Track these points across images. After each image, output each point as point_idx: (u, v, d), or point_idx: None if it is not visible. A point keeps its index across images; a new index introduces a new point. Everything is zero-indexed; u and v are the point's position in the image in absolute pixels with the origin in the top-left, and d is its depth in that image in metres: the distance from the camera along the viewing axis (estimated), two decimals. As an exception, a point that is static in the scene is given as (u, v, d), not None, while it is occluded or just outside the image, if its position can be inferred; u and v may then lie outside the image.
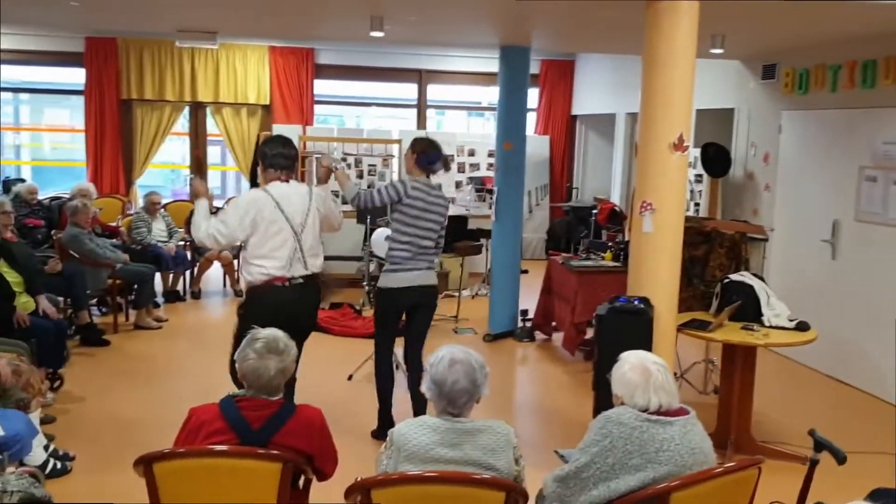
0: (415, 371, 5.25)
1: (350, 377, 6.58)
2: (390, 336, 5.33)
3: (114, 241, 8.30)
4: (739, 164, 8.48)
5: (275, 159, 4.63)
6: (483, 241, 9.51)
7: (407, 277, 5.08)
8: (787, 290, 7.07)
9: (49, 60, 11.54)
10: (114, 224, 9.03)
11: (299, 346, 4.68)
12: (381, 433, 5.15)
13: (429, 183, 5.14)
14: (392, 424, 5.13)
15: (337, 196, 5.27)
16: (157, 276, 8.45)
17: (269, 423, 2.86)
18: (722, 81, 8.75)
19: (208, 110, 11.91)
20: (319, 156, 5.33)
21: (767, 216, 7.92)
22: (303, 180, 5.34)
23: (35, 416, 4.58)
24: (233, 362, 4.79)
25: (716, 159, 8.30)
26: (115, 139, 11.43)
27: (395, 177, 10.75)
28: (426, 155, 5.11)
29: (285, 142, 4.74)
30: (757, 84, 8.20)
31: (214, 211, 4.93)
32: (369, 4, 5.95)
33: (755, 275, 5.55)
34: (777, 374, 7.11)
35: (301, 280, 4.61)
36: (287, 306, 4.51)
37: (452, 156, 11.05)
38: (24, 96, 13.03)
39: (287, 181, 4.65)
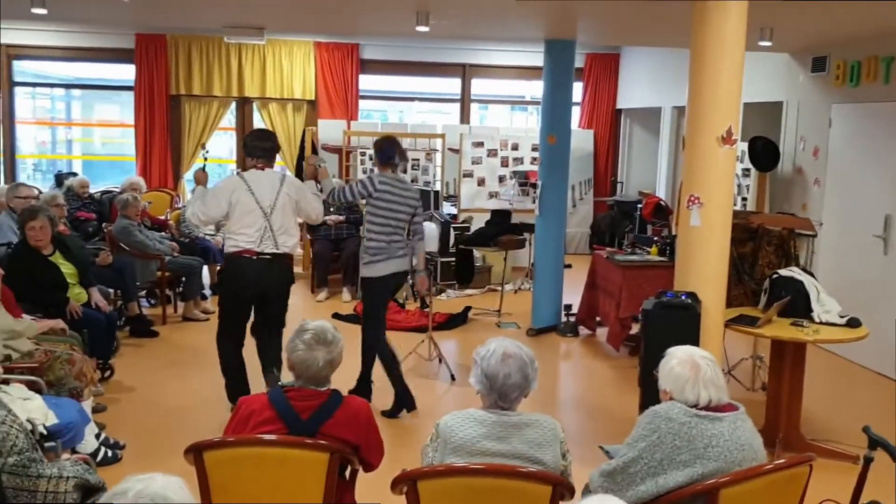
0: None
1: (394, 370, 6.60)
2: (383, 322, 5.77)
3: (162, 234, 8.44)
4: (788, 159, 8.33)
5: (253, 150, 5.28)
6: (526, 235, 9.48)
7: (390, 266, 5.55)
8: (837, 286, 6.92)
9: (100, 57, 11.77)
10: (162, 217, 9.18)
11: (272, 322, 5.39)
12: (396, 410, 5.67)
13: (396, 177, 5.60)
14: (408, 393, 5.65)
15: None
16: (205, 268, 8.58)
17: (317, 413, 2.89)
18: (770, 74, 8.60)
19: (255, 105, 12.04)
20: (309, 156, 6.14)
21: (817, 211, 7.77)
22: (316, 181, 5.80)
23: (87, 405, 4.70)
24: (219, 335, 5.38)
25: (764, 153, 8.16)
26: (163, 134, 11.63)
27: (439, 171, 10.78)
28: (382, 152, 5.56)
29: (265, 135, 5.51)
30: (806, 77, 8.04)
31: None
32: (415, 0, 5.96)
33: (805, 270, 5.45)
34: (827, 371, 6.98)
35: (269, 256, 5.15)
36: (254, 277, 5.15)
37: (496, 149, 11.05)
38: (75, 92, 13.31)
39: (262, 168, 5.26)
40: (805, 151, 8.08)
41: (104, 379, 5.98)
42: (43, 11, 6.14)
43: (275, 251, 5.16)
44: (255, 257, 5.12)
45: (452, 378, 6.42)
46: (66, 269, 5.89)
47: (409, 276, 5.98)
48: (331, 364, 2.93)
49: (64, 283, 5.76)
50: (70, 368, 4.65)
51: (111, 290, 6.96)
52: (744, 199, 8.54)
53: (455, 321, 8.21)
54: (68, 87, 13.00)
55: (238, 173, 5.42)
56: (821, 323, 5.00)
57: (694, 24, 4.68)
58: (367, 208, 5.52)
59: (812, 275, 5.38)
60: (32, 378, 4.26)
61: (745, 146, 8.32)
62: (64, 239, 6.21)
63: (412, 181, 10.46)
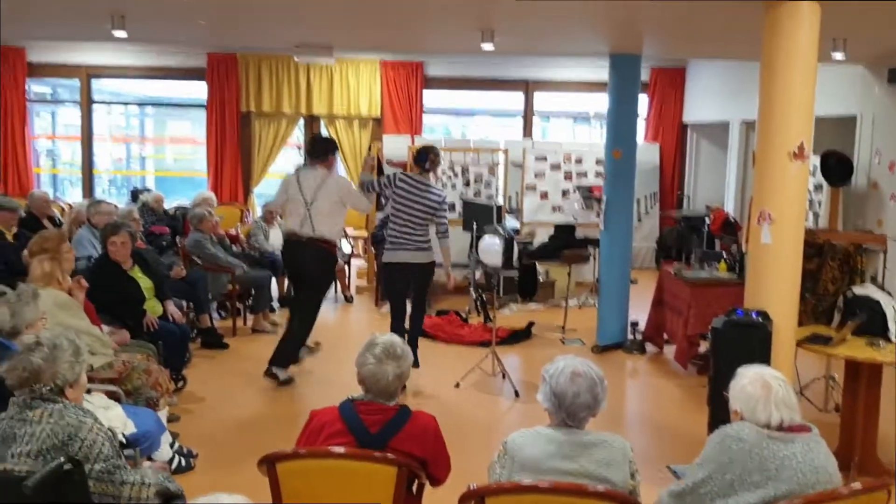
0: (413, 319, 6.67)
1: (458, 385, 6.63)
2: (397, 302, 6.60)
3: (233, 247, 8.64)
4: (862, 173, 8.13)
5: (309, 152, 6.79)
6: (591, 249, 9.42)
7: (397, 255, 6.39)
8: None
9: (173, 75, 12.17)
10: (233, 232, 9.40)
11: (301, 301, 6.41)
12: None
13: (420, 178, 6.41)
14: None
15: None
16: (273, 281, 8.75)
17: (386, 427, 2.93)
18: (843, 87, 8.40)
19: (322, 122, 12.27)
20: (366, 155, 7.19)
21: (893, 226, 7.55)
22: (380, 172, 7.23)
23: (163, 414, 4.83)
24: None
25: (836, 168, 7.97)
26: (234, 150, 11.94)
27: (501, 184, 10.80)
28: (418, 155, 6.52)
29: (316, 140, 6.88)
30: (882, 89, 7.84)
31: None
32: (480, 18, 6.02)
33: (881, 287, 5.31)
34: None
35: (304, 238, 6.29)
36: (291, 254, 6.49)
37: (559, 163, 11.02)
38: (149, 109, 13.75)
39: (313, 167, 6.42)
40: (881, 165, 7.87)
41: (178, 389, 6.13)
42: (123, 34, 6.38)
43: (311, 234, 6.25)
44: (294, 238, 6.34)
45: (516, 394, 6.40)
46: (144, 283, 6.08)
47: (424, 267, 6.50)
48: (399, 378, 2.97)
49: (142, 297, 5.96)
50: (147, 378, 4.80)
51: (184, 303, 7.15)
52: (816, 214, 8.35)
53: (518, 336, 8.20)
54: (143, 104, 13.44)
55: (294, 170, 6.64)
56: (898, 343, 4.86)
57: (765, 33, 4.62)
58: (389, 200, 6.46)
59: (889, 293, 5.23)
60: (112, 388, 4.42)
61: (817, 161, 8.15)
62: (142, 253, 6.42)
63: (475, 194, 10.52)
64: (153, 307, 6.06)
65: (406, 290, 6.54)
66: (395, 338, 3.06)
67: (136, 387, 4.71)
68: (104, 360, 4.77)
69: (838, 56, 6.59)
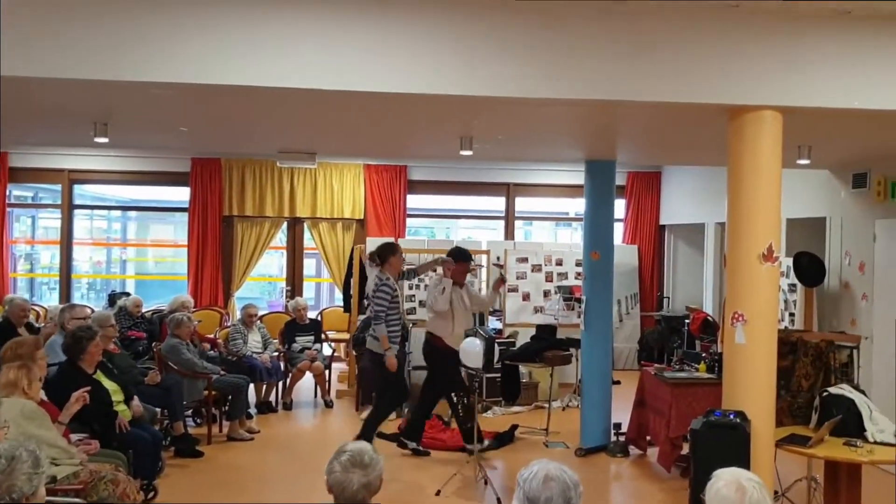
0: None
1: (438, 492, 6.50)
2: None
3: (211, 352, 8.56)
4: (834, 274, 8.26)
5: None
6: (573, 350, 9.41)
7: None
8: (892, 404, 6.73)
9: (157, 180, 12.30)
10: (211, 336, 9.35)
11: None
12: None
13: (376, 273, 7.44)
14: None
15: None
16: (251, 386, 8.64)
17: (355, 538, 2.86)
18: (812, 190, 8.64)
19: (305, 225, 12.39)
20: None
21: (867, 326, 7.63)
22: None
23: (131, 526, 4.69)
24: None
25: (809, 269, 8.10)
26: (215, 253, 11.97)
27: (485, 286, 10.84)
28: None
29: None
30: (848, 193, 8.06)
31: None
32: (459, 126, 6.19)
33: (856, 387, 5.32)
34: (887, 491, 6.67)
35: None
36: None
37: (540, 265, 11.13)
38: (131, 214, 13.85)
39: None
40: (851, 266, 8.01)
41: (147, 501, 5.97)
42: (104, 140, 6.48)
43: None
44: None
45: (498, 501, 6.27)
46: (110, 386, 5.99)
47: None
48: (367, 487, 2.90)
49: (109, 400, 5.84)
50: (114, 489, 4.67)
51: (158, 409, 7.03)
52: (791, 314, 8.42)
53: (502, 440, 8.08)
54: (125, 209, 13.53)
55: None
56: (875, 443, 4.84)
57: (730, 140, 4.77)
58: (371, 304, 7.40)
59: (863, 392, 5.25)
60: (76, 501, 4.30)
61: (790, 262, 8.29)
62: (108, 356, 6.34)
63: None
64: (122, 412, 5.95)
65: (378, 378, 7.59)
66: (366, 446, 3.01)
67: (101, 498, 4.58)
68: (69, 471, 4.65)
69: (803, 162, 6.80)
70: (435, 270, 8.08)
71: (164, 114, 6.01)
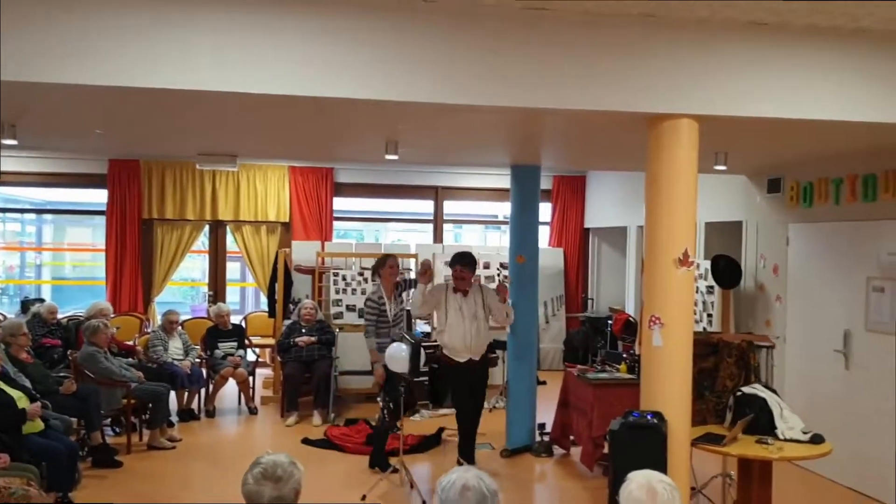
0: None
1: (364, 497, 6.47)
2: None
3: (129, 359, 8.34)
4: (750, 276, 8.52)
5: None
6: (499, 352, 9.48)
7: None
8: (803, 402, 6.99)
9: (73, 182, 11.91)
10: (130, 343, 9.11)
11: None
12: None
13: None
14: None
15: None
16: (172, 394, 8.44)
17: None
18: (730, 195, 8.89)
19: (228, 228, 12.18)
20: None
21: (780, 327, 7.89)
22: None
23: (43, 542, 4.54)
24: None
25: (726, 271, 8.34)
26: (134, 258, 11.66)
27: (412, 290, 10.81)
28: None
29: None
30: (763, 198, 8.32)
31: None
32: (384, 131, 6.17)
33: (767, 387, 5.51)
34: (797, 486, 6.93)
35: None
36: None
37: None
38: (47, 216, 13.40)
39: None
40: (766, 269, 8.28)
41: (63, 513, 5.79)
42: (12, 142, 6.24)
43: None
44: None
45: (423, 504, 6.30)
46: (14, 394, 5.79)
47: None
48: (278, 500, 2.84)
49: (14, 407, 5.64)
50: (26, 504, 4.52)
51: (74, 420, 6.81)
52: (709, 315, 8.66)
53: (428, 443, 8.09)
54: (40, 211, 13.08)
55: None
56: (785, 440, 5.02)
57: (649, 146, 4.87)
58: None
59: (775, 391, 5.43)
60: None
61: (708, 264, 8.52)
62: (22, 367, 6.13)
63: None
64: (34, 425, 5.75)
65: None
66: (282, 459, 2.95)
67: (13, 513, 4.43)
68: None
69: (720, 168, 6.99)
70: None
71: (77, 116, 5.83)
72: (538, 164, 8.12)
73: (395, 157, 6.83)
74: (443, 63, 4.41)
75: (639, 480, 2.89)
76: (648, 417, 4.68)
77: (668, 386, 4.76)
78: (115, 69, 4.09)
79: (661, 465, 4.35)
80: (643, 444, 4.52)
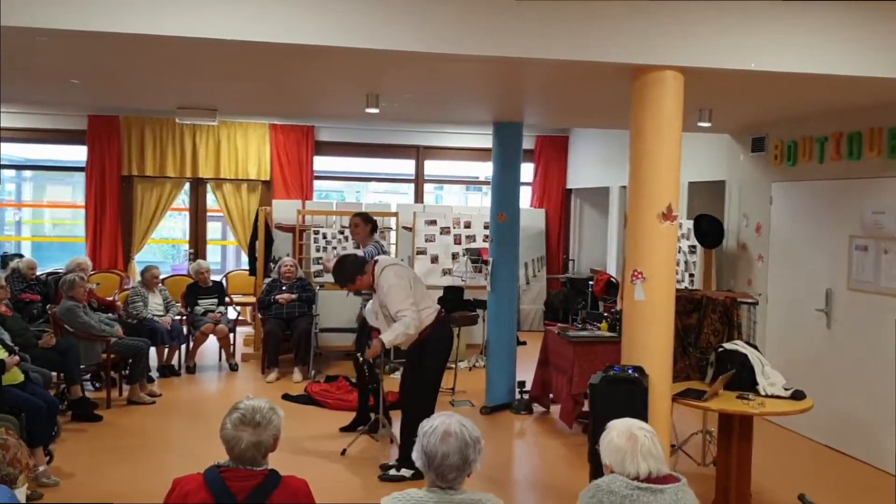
0: None
1: (344, 452, 6.48)
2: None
3: (110, 315, 8.28)
4: (732, 235, 8.54)
5: None
6: (479, 311, 9.49)
7: None
8: (783, 360, 7.04)
9: (52, 138, 11.73)
10: (110, 298, 9.03)
11: None
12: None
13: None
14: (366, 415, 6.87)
15: None
16: (152, 350, 8.41)
17: (253, 494, 2.80)
18: (713, 154, 8.88)
19: (209, 186, 12.05)
20: None
21: (762, 286, 7.93)
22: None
23: (21, 492, 4.51)
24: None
25: (709, 230, 8.35)
26: (114, 215, 11.54)
27: (393, 249, 10.81)
28: None
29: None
30: (747, 156, 8.31)
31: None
32: (365, 83, 6.08)
33: (749, 343, 5.53)
34: (775, 444, 7.01)
35: None
36: None
37: (448, 227, 11.13)
38: (26, 173, 13.21)
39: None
40: (748, 228, 8.29)
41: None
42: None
43: None
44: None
45: (404, 459, 6.31)
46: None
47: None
48: (257, 447, 2.81)
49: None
50: (3, 455, 4.48)
51: (53, 374, 6.77)
52: (691, 275, 8.69)
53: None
54: (19, 168, 12.89)
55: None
56: (766, 396, 5.05)
57: (633, 100, 4.82)
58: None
59: (756, 347, 5.46)
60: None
61: (690, 224, 8.52)
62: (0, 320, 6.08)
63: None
64: (13, 376, 5.71)
65: None
66: (261, 403, 2.93)
67: (-10, 463, 4.39)
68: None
69: (704, 125, 6.96)
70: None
71: (52, 64, 5.69)
72: (521, 121, 8.06)
73: (375, 111, 6.74)
74: (424, 12, 4.33)
75: (619, 428, 2.91)
76: (629, 371, 4.69)
77: (650, 341, 4.77)
78: (89, 14, 3.98)
79: (641, 420, 4.36)
80: (624, 399, 4.52)
